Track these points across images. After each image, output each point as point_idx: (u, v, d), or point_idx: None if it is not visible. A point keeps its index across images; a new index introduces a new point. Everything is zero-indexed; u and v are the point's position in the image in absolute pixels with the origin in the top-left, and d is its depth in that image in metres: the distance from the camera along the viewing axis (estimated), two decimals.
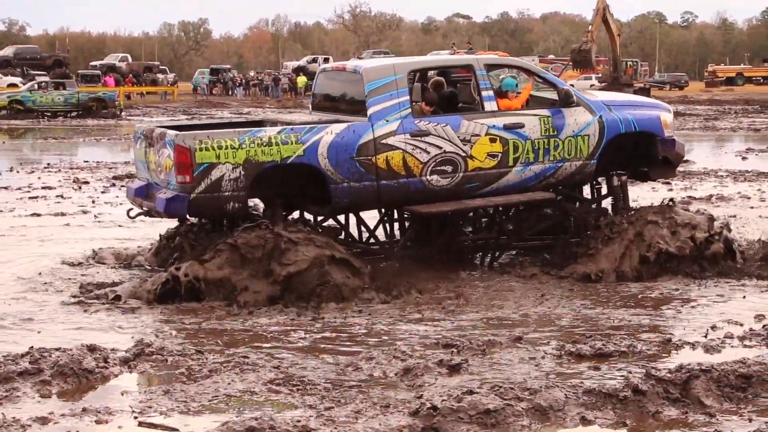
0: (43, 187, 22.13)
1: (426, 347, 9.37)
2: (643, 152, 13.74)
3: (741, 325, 10.20)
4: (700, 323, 10.39)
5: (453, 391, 7.67)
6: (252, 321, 10.61)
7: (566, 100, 13.11)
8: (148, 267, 13.27)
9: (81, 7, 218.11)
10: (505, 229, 13.81)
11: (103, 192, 21.50)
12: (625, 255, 12.59)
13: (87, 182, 23.20)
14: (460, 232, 13.71)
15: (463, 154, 12.56)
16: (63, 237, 15.82)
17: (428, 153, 12.38)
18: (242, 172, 11.64)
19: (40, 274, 12.87)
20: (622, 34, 69.93)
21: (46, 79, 60.08)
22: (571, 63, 67.01)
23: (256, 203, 13.15)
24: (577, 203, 14.15)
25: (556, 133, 13.04)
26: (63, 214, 18.21)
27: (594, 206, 14.10)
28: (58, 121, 52.33)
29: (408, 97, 12.50)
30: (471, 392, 7.58)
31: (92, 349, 8.93)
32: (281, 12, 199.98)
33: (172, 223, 13.39)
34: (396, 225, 13.84)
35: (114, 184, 22.72)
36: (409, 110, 12.44)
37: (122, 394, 8.14)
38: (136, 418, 7.58)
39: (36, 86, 55.47)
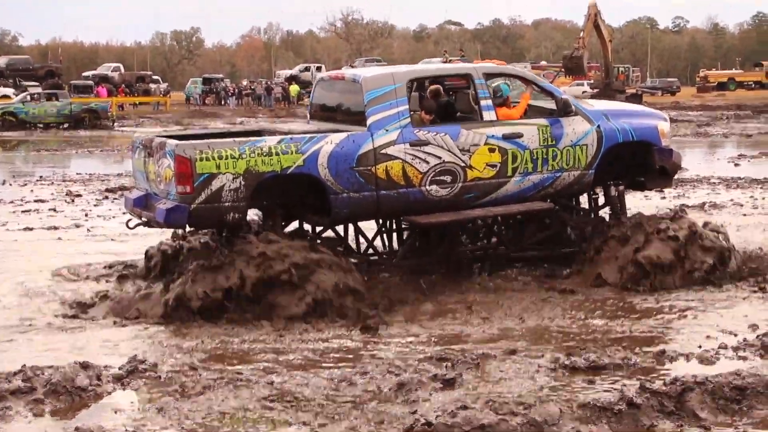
0: (35, 201, 22.09)
1: (420, 361, 9.32)
2: (641, 162, 13.74)
3: (735, 335, 10.19)
4: (695, 334, 10.39)
5: (447, 407, 7.67)
6: (247, 337, 10.57)
7: (565, 109, 13.11)
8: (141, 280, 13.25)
9: (73, 17, 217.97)
10: (504, 240, 13.80)
11: (95, 205, 21.47)
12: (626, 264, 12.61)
13: (80, 195, 23.17)
14: (459, 242, 13.69)
15: (462, 164, 12.55)
16: (55, 251, 15.76)
17: (428, 163, 12.37)
18: (242, 183, 11.60)
19: (31, 289, 12.83)
20: (613, 39, 70.01)
21: (39, 90, 59.94)
22: (563, 69, 67.18)
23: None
24: (575, 213, 14.17)
25: (554, 142, 13.04)
26: (55, 228, 18.17)
27: (591, 216, 14.09)
28: (51, 132, 52.24)
29: (407, 107, 12.49)
30: (465, 407, 7.57)
31: (85, 366, 8.91)
32: (273, 20, 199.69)
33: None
34: (394, 236, 13.83)
35: (107, 197, 22.71)
36: (409, 119, 12.44)
37: (115, 412, 8.13)
38: None
39: (28, 97, 55.39)
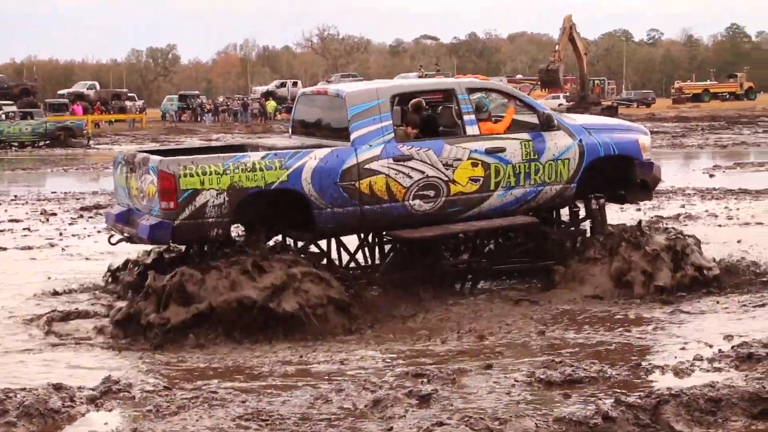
0: (9, 220, 21.91)
1: (397, 377, 9.29)
2: (622, 175, 13.80)
3: (711, 346, 10.18)
4: (671, 345, 10.40)
5: (423, 423, 7.65)
6: (220, 355, 10.52)
7: (547, 123, 13.17)
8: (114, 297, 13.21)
9: (48, 35, 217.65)
10: (486, 253, 13.84)
11: (70, 224, 21.35)
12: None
13: (54, 214, 23.03)
14: (442, 256, 13.70)
15: (446, 179, 12.58)
16: (29, 271, 15.63)
17: (411, 178, 12.39)
18: (226, 198, 11.58)
19: (3, 308, 12.75)
20: (589, 52, 70.48)
21: (14, 108, 59.71)
22: (539, 83, 67.45)
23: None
24: (556, 226, 14.22)
25: (536, 157, 13.09)
26: (30, 248, 18.04)
27: (572, 229, 14.13)
28: (26, 151, 52.07)
29: (391, 122, 12.51)
30: (441, 424, 7.55)
31: (58, 387, 8.82)
32: (249, 36, 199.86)
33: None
34: (376, 250, 13.83)
35: (82, 216, 22.58)
36: (393, 135, 12.46)
37: None
38: None
39: (3, 116, 55.15)
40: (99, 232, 19.75)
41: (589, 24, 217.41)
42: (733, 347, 9.92)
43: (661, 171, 14.36)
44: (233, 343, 10.98)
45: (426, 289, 12.99)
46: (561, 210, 14.26)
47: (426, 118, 13.40)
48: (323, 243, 13.22)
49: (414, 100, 13.55)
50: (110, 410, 8.63)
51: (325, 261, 12.79)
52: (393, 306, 12.30)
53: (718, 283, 13.09)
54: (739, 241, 15.84)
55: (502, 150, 12.92)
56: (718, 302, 12.39)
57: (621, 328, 11.23)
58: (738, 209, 20.73)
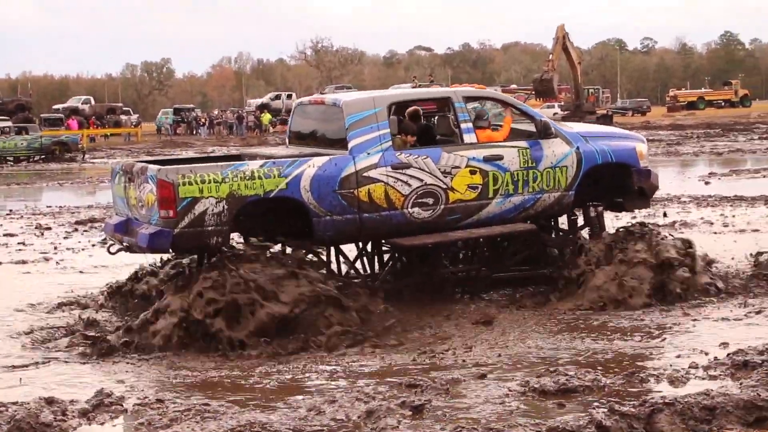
0: (4, 235, 21.88)
1: (390, 387, 9.26)
2: (619, 183, 13.80)
3: (706, 354, 10.14)
4: (666, 353, 10.36)
5: None
6: (215, 367, 10.47)
7: (545, 131, 13.19)
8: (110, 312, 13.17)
9: (43, 50, 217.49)
10: (484, 261, 13.84)
11: (65, 238, 21.28)
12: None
13: (49, 228, 22.97)
14: (441, 264, 13.69)
15: (444, 187, 12.60)
16: (23, 285, 15.57)
17: (409, 185, 12.41)
18: (225, 207, 11.58)
19: None
20: (582, 61, 70.37)
21: (9, 124, 59.67)
22: (533, 92, 67.44)
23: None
24: (555, 234, 14.25)
25: (534, 164, 13.11)
26: (24, 262, 17.99)
27: (571, 237, 14.12)
28: (21, 165, 52.06)
29: (388, 130, 12.55)
30: None
31: (50, 401, 8.79)
32: (243, 50, 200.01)
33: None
34: (375, 258, 13.82)
35: (76, 230, 22.52)
36: (390, 143, 12.48)
37: None
38: None
39: None
40: (93, 245, 19.72)
41: (582, 33, 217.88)
42: (728, 355, 9.87)
43: (659, 178, 14.34)
44: (230, 354, 10.92)
45: (425, 297, 12.98)
46: (559, 218, 14.26)
47: (423, 127, 13.46)
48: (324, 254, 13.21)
49: (411, 109, 13.62)
50: (102, 424, 8.60)
51: (325, 270, 12.74)
52: (391, 315, 12.21)
53: (715, 291, 13.03)
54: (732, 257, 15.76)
55: (500, 158, 12.93)
56: (715, 309, 12.34)
57: (618, 336, 11.18)
58: (734, 216, 20.69)
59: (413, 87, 59.65)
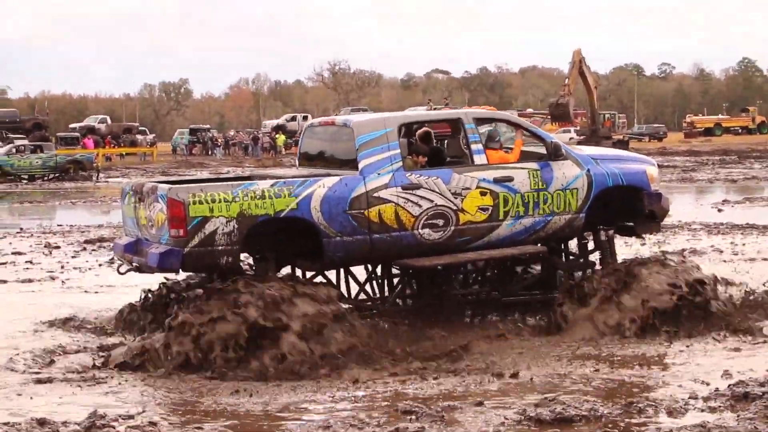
0: (13, 253, 21.89)
1: (385, 413, 9.17)
2: (629, 207, 13.75)
3: (707, 384, 10.02)
4: (668, 383, 10.24)
5: None
6: (215, 390, 10.38)
7: (555, 153, 13.13)
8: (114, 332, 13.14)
9: (62, 70, 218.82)
10: (495, 284, 13.81)
11: (73, 257, 21.27)
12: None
13: (58, 247, 22.96)
14: (451, 286, 13.64)
15: (455, 208, 12.54)
16: (26, 304, 15.51)
17: (420, 206, 12.35)
18: (236, 226, 11.55)
19: None
20: (599, 86, 70.53)
21: (25, 142, 59.93)
22: (549, 116, 67.50)
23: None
24: (565, 258, 14.20)
25: (545, 186, 13.05)
26: (30, 281, 17.98)
27: (581, 261, 14.06)
28: (36, 184, 52.22)
29: (399, 151, 12.51)
30: None
31: (42, 423, 8.76)
32: (261, 71, 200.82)
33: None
34: (385, 281, 13.71)
35: (85, 248, 22.52)
36: (401, 163, 12.44)
37: None
38: None
39: (14, 150, 55.44)
40: (101, 265, 19.72)
41: (600, 58, 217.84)
42: (729, 386, 9.74)
43: (670, 202, 14.24)
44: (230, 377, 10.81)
45: (434, 320, 12.92)
46: (570, 242, 14.20)
47: (434, 149, 13.43)
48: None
49: (421, 130, 13.64)
50: None
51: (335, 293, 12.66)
52: (398, 339, 12.12)
53: (722, 320, 12.89)
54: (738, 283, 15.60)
55: (510, 179, 12.88)
56: (722, 338, 12.21)
57: (622, 366, 11.05)
58: (744, 244, 20.55)
59: (428, 110, 59.73)
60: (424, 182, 12.44)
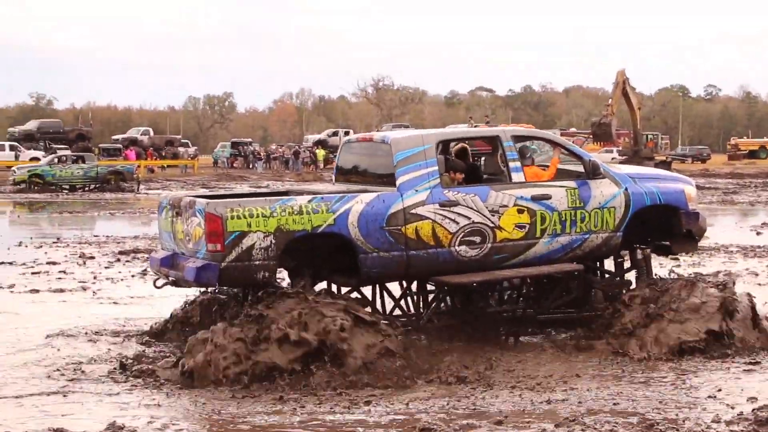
0: (47, 263, 22.00)
1: (401, 430, 9.09)
2: (666, 226, 13.70)
3: (732, 407, 9.88)
4: (693, 406, 10.07)
5: None
6: (242, 404, 10.33)
7: (593, 171, 13.11)
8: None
9: (108, 81, 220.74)
10: (530, 302, 13.79)
11: (106, 267, 21.35)
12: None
13: (92, 257, 23.07)
14: (488, 303, 13.61)
15: (492, 225, 12.52)
16: (55, 314, 15.56)
17: (457, 223, 12.34)
18: (273, 241, 11.57)
19: (21, 350, 12.74)
20: (643, 107, 70.00)
21: (67, 152, 60.43)
22: (591, 136, 67.12)
23: None
24: (601, 276, 14.13)
25: (582, 204, 13.02)
26: (62, 291, 18.06)
27: (618, 280, 14.00)
28: (77, 194, 52.60)
29: (436, 167, 12.51)
30: None
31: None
32: (305, 86, 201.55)
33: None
34: (421, 297, 13.65)
35: (119, 260, 22.61)
36: (438, 180, 12.43)
37: None
38: None
39: (56, 160, 55.98)
40: (133, 276, 19.79)
41: (645, 79, 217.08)
42: (753, 409, 9.59)
43: (707, 222, 14.10)
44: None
45: (473, 337, 12.86)
46: (606, 260, 14.11)
47: (471, 166, 13.44)
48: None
49: (458, 146, 13.67)
50: None
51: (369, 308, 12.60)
52: (431, 355, 12.02)
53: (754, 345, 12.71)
54: None
55: (548, 197, 12.84)
56: (749, 362, 12.04)
57: (648, 386, 10.89)
58: None
59: (469, 127, 59.68)
60: (461, 199, 12.41)
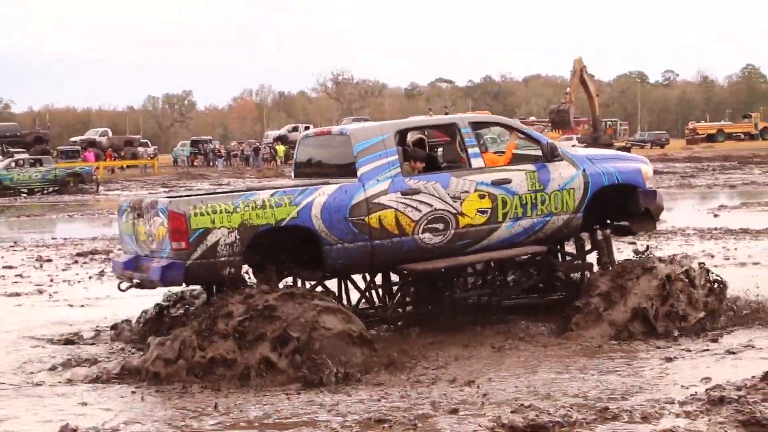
0: (3, 267, 21.83)
1: (359, 423, 9.07)
2: (624, 206, 13.82)
3: (687, 388, 9.92)
4: (647, 388, 10.11)
5: None
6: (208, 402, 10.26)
7: (551, 154, 13.17)
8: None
9: (65, 84, 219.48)
10: (496, 287, 13.80)
11: (63, 270, 21.21)
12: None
13: (50, 260, 22.93)
14: (453, 290, 13.63)
15: (454, 211, 12.55)
16: (11, 318, 15.45)
17: (420, 211, 12.36)
18: (237, 237, 11.53)
19: None
20: (601, 94, 70.51)
21: (25, 156, 60.03)
22: (550, 124, 67.43)
23: None
24: (562, 258, 14.25)
25: (542, 187, 13.09)
26: (17, 294, 17.92)
27: (579, 262, 14.08)
28: (36, 197, 52.25)
29: (396, 156, 12.52)
30: None
31: None
32: (265, 82, 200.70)
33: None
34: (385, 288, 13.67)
35: (76, 262, 22.48)
36: (399, 169, 12.45)
37: None
38: None
39: (13, 164, 55.56)
40: (90, 278, 19.69)
41: (603, 66, 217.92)
42: (706, 390, 9.61)
43: (664, 200, 14.18)
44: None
45: (432, 326, 12.94)
46: (566, 242, 14.24)
47: (429, 156, 13.45)
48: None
49: (415, 137, 13.71)
50: None
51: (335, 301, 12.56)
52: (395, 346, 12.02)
53: (710, 325, 12.84)
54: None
55: (508, 181, 12.90)
56: (704, 343, 12.14)
57: (607, 372, 10.93)
58: (736, 249, 20.41)
59: None
60: (423, 187, 12.44)
